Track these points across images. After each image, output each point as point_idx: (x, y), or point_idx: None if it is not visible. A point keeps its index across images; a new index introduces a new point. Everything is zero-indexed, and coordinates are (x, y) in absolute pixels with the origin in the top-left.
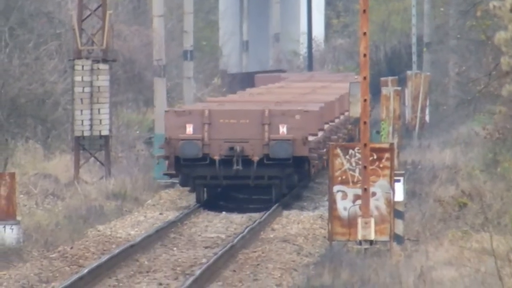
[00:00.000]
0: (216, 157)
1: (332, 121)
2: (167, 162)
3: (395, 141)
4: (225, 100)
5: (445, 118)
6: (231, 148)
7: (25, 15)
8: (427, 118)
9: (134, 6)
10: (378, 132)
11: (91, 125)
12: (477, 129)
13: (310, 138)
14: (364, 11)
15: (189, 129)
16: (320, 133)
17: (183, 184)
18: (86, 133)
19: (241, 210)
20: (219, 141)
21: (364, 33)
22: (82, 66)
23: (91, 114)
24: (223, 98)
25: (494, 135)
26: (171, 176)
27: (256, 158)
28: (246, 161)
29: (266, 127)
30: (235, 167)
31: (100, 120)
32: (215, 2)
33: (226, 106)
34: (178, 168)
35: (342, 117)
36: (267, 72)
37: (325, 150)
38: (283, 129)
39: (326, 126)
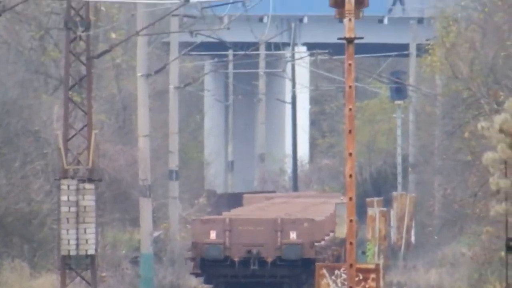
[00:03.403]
0: (236, 259)
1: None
2: (193, 263)
3: (381, 261)
4: (240, 211)
5: (430, 239)
6: (249, 251)
7: (11, 134)
8: (412, 238)
9: (120, 126)
10: (364, 253)
11: (77, 244)
12: (463, 250)
13: (317, 243)
14: (350, 131)
15: (213, 234)
16: (324, 240)
17: (207, 282)
18: (72, 252)
19: None
20: (238, 245)
21: (350, 154)
22: (68, 186)
23: (77, 233)
24: (237, 211)
25: (480, 256)
26: (196, 275)
27: (270, 260)
28: (262, 262)
29: (279, 233)
30: (252, 267)
31: (86, 240)
32: (201, 121)
33: (244, 216)
34: (203, 268)
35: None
36: (256, 193)
37: (328, 253)
38: (293, 235)
39: (327, 236)
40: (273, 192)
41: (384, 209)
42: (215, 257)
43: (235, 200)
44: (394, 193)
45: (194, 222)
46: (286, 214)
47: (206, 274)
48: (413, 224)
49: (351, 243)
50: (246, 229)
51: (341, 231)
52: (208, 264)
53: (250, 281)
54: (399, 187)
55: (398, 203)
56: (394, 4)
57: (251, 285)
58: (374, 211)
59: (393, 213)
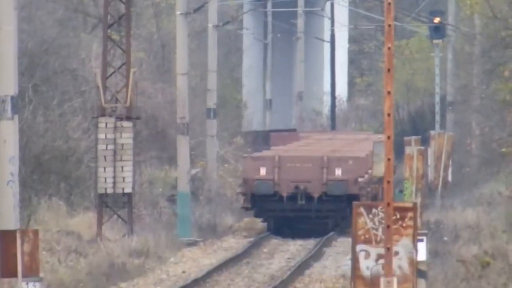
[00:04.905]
0: (284, 194)
1: None
2: (243, 198)
3: (418, 200)
4: (288, 148)
5: (467, 178)
6: (296, 187)
7: (49, 72)
8: (449, 177)
9: (158, 64)
10: (401, 191)
11: (114, 183)
12: (501, 188)
13: (360, 179)
14: (389, 70)
15: (263, 171)
16: (367, 175)
17: (257, 215)
18: (109, 191)
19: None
20: (286, 181)
21: (389, 92)
22: (106, 124)
23: (114, 171)
24: (285, 148)
25: None
26: (246, 209)
27: (316, 195)
28: (308, 197)
29: (325, 170)
30: (299, 202)
31: (123, 178)
32: (239, 60)
33: (292, 153)
34: (253, 203)
35: None
36: (281, 131)
37: (370, 189)
38: (338, 172)
39: (367, 174)
40: (295, 130)
41: (422, 148)
42: (264, 192)
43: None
44: (432, 132)
45: (245, 159)
46: (332, 151)
47: (256, 208)
48: (451, 163)
49: (388, 182)
50: (294, 166)
51: (379, 170)
52: (258, 199)
53: (298, 215)
54: (437, 126)
55: (435, 142)
56: None
57: (298, 219)
58: (411, 150)
59: (430, 152)
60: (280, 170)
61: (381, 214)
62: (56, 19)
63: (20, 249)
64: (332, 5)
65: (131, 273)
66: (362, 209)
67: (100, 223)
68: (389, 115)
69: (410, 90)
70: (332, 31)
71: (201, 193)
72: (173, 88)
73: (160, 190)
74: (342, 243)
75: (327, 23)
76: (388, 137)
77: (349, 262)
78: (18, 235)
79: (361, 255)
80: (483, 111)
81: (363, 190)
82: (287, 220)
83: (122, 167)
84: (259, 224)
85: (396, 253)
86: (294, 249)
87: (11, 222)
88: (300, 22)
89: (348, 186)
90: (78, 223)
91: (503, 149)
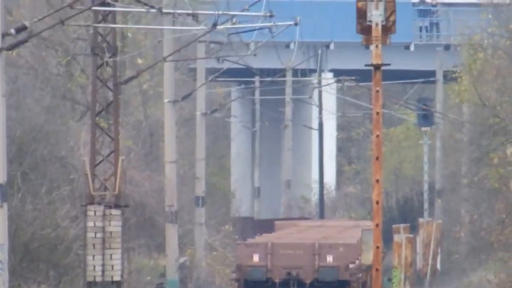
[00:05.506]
0: (277, 280)
1: None
2: (237, 284)
3: None
4: (279, 236)
5: (456, 266)
6: (289, 273)
7: (38, 160)
8: (438, 265)
9: (146, 152)
10: (389, 280)
11: (103, 271)
12: (490, 277)
13: (351, 265)
14: (377, 158)
15: (256, 257)
16: (357, 261)
17: None
18: (98, 279)
19: None
20: (279, 268)
21: (377, 180)
22: (95, 212)
23: (103, 259)
24: (277, 234)
25: (507, 283)
26: None
27: (308, 281)
28: (300, 284)
29: (316, 256)
30: None
31: (112, 266)
32: (227, 148)
33: (284, 240)
34: None
35: None
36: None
37: (361, 274)
38: (329, 258)
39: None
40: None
41: (411, 235)
42: (257, 278)
43: (260, 226)
44: (421, 220)
45: (238, 246)
46: (323, 238)
47: None
48: (439, 251)
49: (377, 270)
50: (287, 252)
51: (367, 258)
52: (251, 285)
53: None
54: (426, 213)
55: (424, 230)
56: (421, 31)
57: None
58: (400, 238)
59: (419, 240)
60: (272, 256)
61: None
62: (43, 107)
63: None
64: (320, 93)
65: None
66: None
67: None
68: (377, 202)
69: (398, 178)
70: (320, 119)
71: (189, 281)
72: (161, 176)
73: (149, 278)
74: None
75: (315, 110)
76: (377, 225)
77: None
78: None
79: None
80: (472, 199)
81: (353, 277)
82: None
83: (111, 255)
84: None
85: None
86: None
87: None
88: (288, 110)
89: (339, 272)
90: None
91: (492, 237)
